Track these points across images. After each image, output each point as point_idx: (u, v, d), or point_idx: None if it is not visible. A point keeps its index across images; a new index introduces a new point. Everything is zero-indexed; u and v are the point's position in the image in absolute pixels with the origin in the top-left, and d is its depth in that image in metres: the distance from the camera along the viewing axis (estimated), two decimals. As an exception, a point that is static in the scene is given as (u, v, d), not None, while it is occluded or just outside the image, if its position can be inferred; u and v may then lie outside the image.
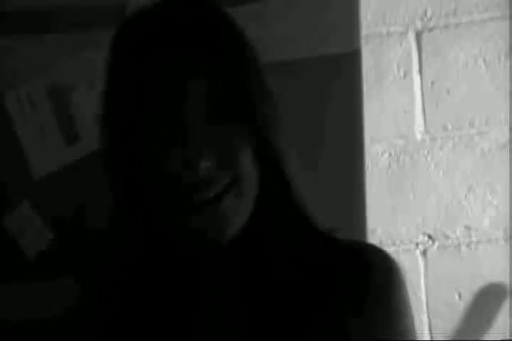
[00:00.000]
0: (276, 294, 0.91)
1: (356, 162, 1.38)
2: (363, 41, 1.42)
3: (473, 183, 1.61)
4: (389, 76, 1.63)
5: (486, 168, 1.61)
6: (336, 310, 0.92)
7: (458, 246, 1.62)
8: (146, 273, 0.94)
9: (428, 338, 1.61)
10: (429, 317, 1.61)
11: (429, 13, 1.62)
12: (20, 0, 1.38)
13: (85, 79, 1.36)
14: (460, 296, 1.61)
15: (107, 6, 1.35)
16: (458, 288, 1.61)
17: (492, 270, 1.60)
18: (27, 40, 1.37)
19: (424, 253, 1.62)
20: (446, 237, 1.62)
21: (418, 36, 1.63)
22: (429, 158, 1.62)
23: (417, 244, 1.62)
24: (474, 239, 1.61)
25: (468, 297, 1.60)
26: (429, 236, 1.62)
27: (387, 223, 1.62)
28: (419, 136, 1.63)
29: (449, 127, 1.62)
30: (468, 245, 1.61)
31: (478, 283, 1.60)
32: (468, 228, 1.61)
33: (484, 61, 1.61)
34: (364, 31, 1.49)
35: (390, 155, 1.63)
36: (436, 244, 1.62)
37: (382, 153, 1.63)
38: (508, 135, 1.61)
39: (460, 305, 1.61)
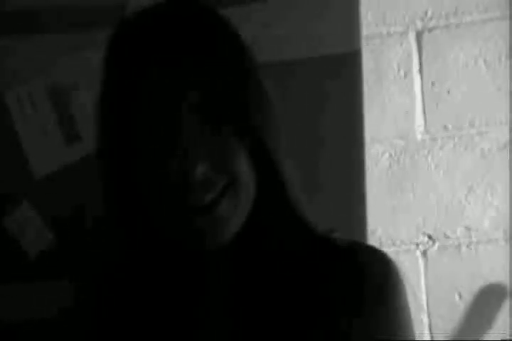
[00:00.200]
0: (273, 295, 0.91)
1: (356, 162, 1.38)
2: (363, 41, 1.41)
3: (474, 183, 1.61)
4: (389, 76, 1.63)
5: (486, 168, 1.61)
6: (333, 310, 0.92)
7: (458, 247, 1.62)
8: (144, 274, 0.94)
9: (428, 338, 1.61)
10: (429, 317, 1.61)
11: (429, 14, 1.62)
12: (20, 0, 1.38)
13: (85, 79, 1.35)
14: (460, 296, 1.61)
15: (106, 6, 1.35)
16: (458, 288, 1.61)
17: (492, 270, 1.60)
18: (27, 40, 1.37)
19: (424, 253, 1.62)
20: (447, 237, 1.62)
21: (418, 36, 1.62)
22: (429, 159, 1.62)
23: (418, 245, 1.62)
24: (474, 239, 1.61)
25: (468, 297, 1.60)
26: (430, 237, 1.62)
27: (388, 223, 1.62)
28: (419, 136, 1.63)
29: (450, 127, 1.62)
30: (468, 245, 1.61)
31: (479, 284, 1.60)
32: (468, 228, 1.61)
33: (484, 61, 1.61)
34: (364, 31, 1.49)
35: (390, 155, 1.63)
36: (437, 244, 1.62)
37: (382, 154, 1.63)
38: (508, 135, 1.61)
39: (460, 305, 1.61)
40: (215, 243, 0.90)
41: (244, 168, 0.90)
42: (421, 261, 1.62)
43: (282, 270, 0.92)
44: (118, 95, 0.91)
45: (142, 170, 0.90)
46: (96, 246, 1.00)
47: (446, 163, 1.62)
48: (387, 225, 1.62)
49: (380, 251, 1.00)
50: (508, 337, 1.55)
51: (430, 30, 1.62)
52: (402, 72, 1.63)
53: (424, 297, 1.61)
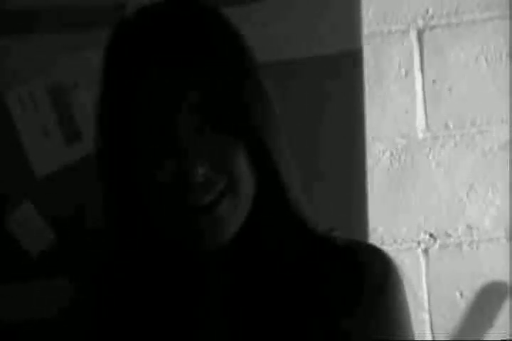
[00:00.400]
0: (272, 295, 0.92)
1: (358, 161, 1.38)
2: (364, 40, 1.41)
3: (475, 182, 1.61)
4: (390, 75, 1.62)
5: (487, 166, 1.61)
6: (333, 310, 0.92)
7: (459, 245, 1.62)
8: (144, 274, 0.94)
9: (429, 337, 1.61)
10: (430, 315, 1.61)
11: (430, 12, 1.62)
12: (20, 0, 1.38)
13: (86, 78, 1.35)
14: (461, 295, 1.61)
15: (107, 6, 1.35)
16: (459, 287, 1.61)
17: (493, 269, 1.60)
18: (27, 40, 1.37)
19: (425, 252, 1.62)
20: (448, 236, 1.62)
21: (420, 35, 1.62)
22: (430, 157, 1.62)
23: (419, 243, 1.62)
24: (476, 237, 1.61)
25: (469, 296, 1.60)
26: (431, 235, 1.62)
27: (389, 222, 1.62)
28: (420, 135, 1.62)
29: (451, 126, 1.62)
30: (469, 244, 1.61)
31: (480, 282, 1.60)
32: (469, 227, 1.61)
33: (486, 60, 1.61)
34: (365, 30, 1.49)
35: (391, 154, 1.63)
36: (438, 242, 1.62)
37: (383, 152, 1.63)
38: (509, 134, 1.60)
39: (461, 303, 1.61)
40: (214, 243, 0.90)
41: (243, 168, 0.90)
42: (422, 260, 1.62)
43: (282, 270, 0.93)
44: (117, 95, 0.92)
45: (142, 170, 0.90)
46: (96, 246, 1.01)
47: (447, 161, 1.62)
48: (389, 223, 1.62)
49: (379, 250, 1.00)
50: (508, 337, 1.55)
51: (431, 28, 1.62)
52: (403, 71, 1.62)
53: (425, 295, 1.61)
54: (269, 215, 0.93)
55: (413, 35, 1.62)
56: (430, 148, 1.62)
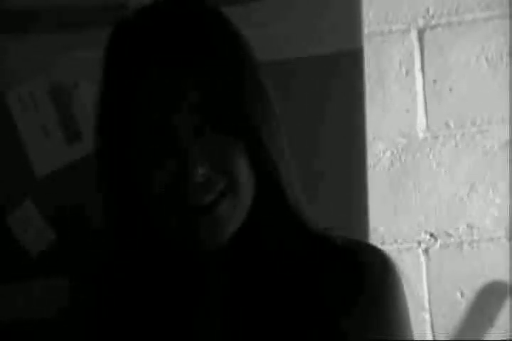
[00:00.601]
0: (272, 295, 0.92)
1: (358, 160, 1.38)
2: (364, 39, 1.41)
3: (476, 182, 1.61)
4: (391, 74, 1.62)
5: (488, 166, 1.61)
6: (332, 310, 0.92)
7: (460, 245, 1.62)
8: (143, 274, 0.94)
9: (430, 336, 1.61)
10: (431, 315, 1.61)
11: (431, 11, 1.62)
12: (20, -1, 1.39)
13: (86, 78, 1.35)
14: (462, 294, 1.61)
15: (107, 6, 1.35)
16: (460, 287, 1.61)
17: (494, 268, 1.60)
18: (28, 40, 1.37)
19: (426, 251, 1.62)
20: (449, 236, 1.62)
21: (420, 34, 1.62)
22: (431, 157, 1.62)
23: (419, 243, 1.62)
24: (476, 237, 1.61)
25: (470, 295, 1.60)
26: (431, 235, 1.62)
27: (389, 221, 1.62)
28: (421, 135, 1.62)
29: (451, 125, 1.62)
30: (470, 243, 1.61)
31: (480, 282, 1.60)
32: (470, 226, 1.61)
33: (486, 59, 1.61)
34: (366, 29, 1.49)
35: (392, 153, 1.63)
36: (439, 242, 1.62)
37: (384, 152, 1.63)
38: (509, 133, 1.60)
39: (462, 303, 1.61)
40: (214, 243, 0.90)
41: (243, 168, 0.90)
42: (423, 259, 1.62)
43: (281, 270, 0.93)
44: (117, 95, 0.92)
45: (142, 170, 0.90)
46: (96, 246, 1.01)
47: (447, 161, 1.62)
48: (389, 223, 1.62)
49: (378, 249, 1.00)
50: (508, 337, 1.55)
51: (432, 28, 1.62)
52: (403, 70, 1.62)
53: (425, 295, 1.61)
54: (269, 215, 0.93)
55: (414, 34, 1.62)
56: (431, 148, 1.62)
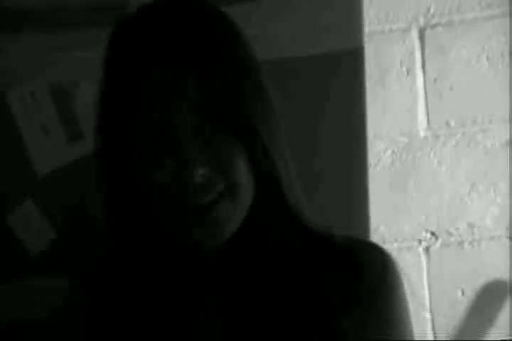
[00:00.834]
0: (271, 295, 0.92)
1: (359, 159, 1.38)
2: (365, 38, 1.41)
3: (476, 180, 1.61)
4: (392, 73, 1.62)
5: (488, 165, 1.61)
6: (331, 310, 0.92)
7: (461, 244, 1.62)
8: (143, 274, 0.94)
9: (431, 335, 1.61)
10: (431, 314, 1.61)
11: (432, 10, 1.62)
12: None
13: (88, 77, 1.35)
14: (463, 293, 1.61)
15: (108, 5, 1.35)
16: (460, 285, 1.61)
17: (495, 267, 1.60)
18: (29, 39, 1.37)
19: (426, 250, 1.62)
20: (449, 234, 1.62)
21: (421, 33, 1.62)
22: (431, 156, 1.62)
23: (420, 241, 1.62)
24: (477, 236, 1.61)
25: (470, 294, 1.60)
26: (432, 234, 1.62)
27: (390, 220, 1.62)
28: (422, 133, 1.62)
29: (452, 124, 1.62)
30: (471, 242, 1.61)
31: (481, 281, 1.60)
32: (471, 225, 1.61)
33: (487, 58, 1.61)
34: (367, 28, 1.49)
35: (392, 152, 1.63)
36: (439, 241, 1.62)
37: (384, 150, 1.63)
38: (510, 132, 1.60)
39: (463, 302, 1.61)
40: (213, 243, 0.90)
41: (243, 169, 0.90)
42: (423, 258, 1.62)
43: (281, 270, 0.92)
44: (117, 94, 0.91)
45: (142, 170, 0.90)
46: (96, 246, 1.01)
47: (448, 160, 1.62)
48: (390, 222, 1.62)
49: (378, 246, 1.00)
50: (508, 337, 1.55)
51: (433, 27, 1.62)
52: (404, 69, 1.62)
53: (426, 294, 1.61)
54: (269, 215, 0.93)
55: (414, 33, 1.62)
56: (431, 147, 1.62)
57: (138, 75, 0.89)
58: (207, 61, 0.89)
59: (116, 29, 0.95)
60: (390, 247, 1.59)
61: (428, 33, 1.62)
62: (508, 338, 1.56)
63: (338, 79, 1.37)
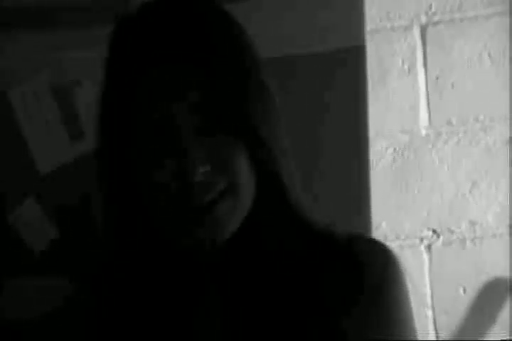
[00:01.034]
0: (271, 294, 0.92)
1: (361, 157, 1.38)
2: (367, 36, 1.41)
3: (478, 178, 1.61)
4: (393, 71, 1.62)
5: (490, 163, 1.61)
6: (332, 309, 0.92)
7: (462, 241, 1.61)
8: (143, 274, 0.94)
9: (432, 333, 1.61)
10: (433, 312, 1.61)
11: (433, 8, 1.62)
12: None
13: (90, 76, 1.36)
14: (464, 291, 1.61)
15: (109, 4, 1.35)
16: (462, 283, 1.61)
17: (496, 265, 1.60)
18: (30, 38, 1.37)
19: (428, 248, 1.62)
20: (451, 232, 1.62)
21: (423, 31, 1.62)
22: (433, 153, 1.62)
23: (422, 239, 1.62)
24: (479, 234, 1.61)
25: (472, 292, 1.60)
26: (434, 231, 1.62)
27: (392, 218, 1.62)
28: (423, 131, 1.62)
29: (454, 122, 1.62)
30: (472, 240, 1.61)
31: (483, 278, 1.60)
32: (472, 223, 1.61)
33: (489, 56, 1.60)
34: (368, 26, 1.49)
35: (394, 150, 1.63)
36: (441, 239, 1.62)
37: (386, 149, 1.63)
38: (512, 130, 1.61)
39: (464, 300, 1.61)
40: (214, 243, 0.90)
41: (244, 168, 0.90)
42: (425, 256, 1.62)
43: (281, 269, 0.93)
44: (118, 94, 0.92)
45: (142, 169, 0.90)
46: (96, 245, 1.01)
47: (450, 157, 1.62)
48: (392, 220, 1.62)
49: (379, 242, 1.00)
50: (510, 335, 1.55)
51: (434, 24, 1.62)
52: (406, 67, 1.62)
53: (428, 292, 1.61)
54: (270, 215, 0.93)
55: (416, 31, 1.62)
56: (433, 145, 1.62)
57: (139, 75, 0.89)
58: (208, 61, 0.88)
59: (118, 28, 0.95)
60: (392, 245, 1.56)
61: (430, 30, 1.62)
62: (509, 336, 1.56)
63: (340, 77, 1.37)
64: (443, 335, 1.60)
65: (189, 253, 0.94)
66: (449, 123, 1.62)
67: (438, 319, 1.61)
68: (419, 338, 0.99)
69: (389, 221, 1.62)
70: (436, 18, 1.62)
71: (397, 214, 1.62)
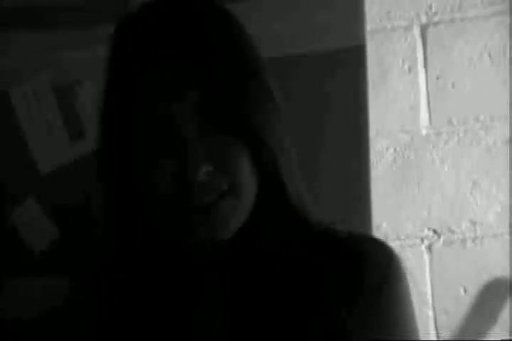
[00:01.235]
0: (271, 294, 0.92)
1: (361, 157, 1.38)
2: (367, 36, 1.41)
3: (479, 178, 1.61)
4: (394, 71, 1.62)
5: (491, 162, 1.61)
6: (334, 308, 0.92)
7: (463, 241, 1.61)
8: (143, 274, 0.94)
9: (433, 333, 1.61)
10: (434, 311, 1.61)
11: (434, 8, 1.62)
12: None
13: (90, 76, 1.36)
14: (465, 291, 1.61)
15: (110, 3, 1.35)
16: (463, 283, 1.61)
17: (497, 264, 1.60)
18: (31, 38, 1.37)
19: (429, 248, 1.62)
20: (452, 232, 1.62)
21: (423, 31, 1.62)
22: (434, 153, 1.62)
23: (423, 239, 1.62)
24: (479, 233, 1.61)
25: (473, 291, 1.60)
26: (435, 231, 1.62)
27: (393, 218, 1.62)
28: (424, 131, 1.62)
29: (454, 122, 1.62)
30: (473, 240, 1.61)
31: (484, 278, 1.60)
32: (473, 223, 1.61)
33: (489, 56, 1.60)
34: (369, 26, 1.49)
35: (395, 150, 1.63)
36: (442, 238, 1.62)
37: (387, 148, 1.63)
38: (512, 130, 1.61)
39: (465, 299, 1.61)
40: (214, 243, 0.90)
41: (246, 168, 0.90)
42: (426, 256, 1.62)
43: (282, 269, 0.92)
44: (119, 94, 0.92)
45: (142, 170, 0.90)
46: (96, 245, 1.01)
47: (451, 157, 1.62)
48: (393, 220, 1.62)
49: (380, 241, 1.00)
50: (509, 336, 1.55)
51: (435, 24, 1.62)
52: (406, 67, 1.62)
53: (429, 291, 1.61)
54: (270, 215, 0.93)
55: (416, 31, 1.62)
56: (434, 144, 1.62)
57: (139, 75, 0.89)
58: (208, 61, 0.88)
59: (119, 28, 0.95)
60: (393, 245, 1.58)
61: (430, 30, 1.62)
62: (510, 336, 1.56)
63: (340, 77, 1.37)
64: (443, 335, 1.60)
65: (190, 254, 0.94)
66: (450, 123, 1.62)
67: (438, 319, 1.61)
68: (420, 338, 0.99)
69: (389, 221, 1.62)
70: (436, 18, 1.62)
71: (398, 214, 1.62)
